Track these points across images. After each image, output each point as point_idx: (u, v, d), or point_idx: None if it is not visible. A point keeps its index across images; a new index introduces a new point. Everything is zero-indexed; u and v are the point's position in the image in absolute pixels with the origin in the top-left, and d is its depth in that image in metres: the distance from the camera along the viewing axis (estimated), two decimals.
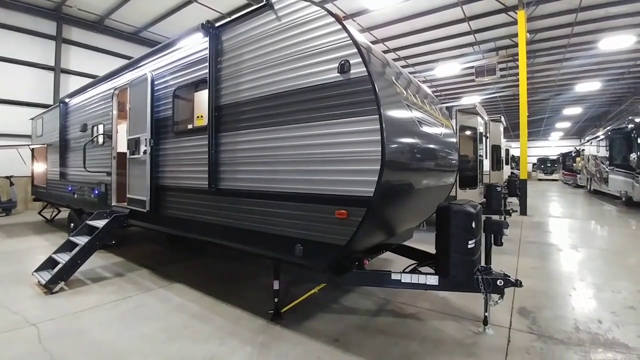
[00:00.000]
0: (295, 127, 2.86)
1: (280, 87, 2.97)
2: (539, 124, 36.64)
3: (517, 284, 2.92)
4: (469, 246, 2.88)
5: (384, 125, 2.30)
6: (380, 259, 4.89)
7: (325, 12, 2.64)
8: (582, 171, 20.95)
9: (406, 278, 3.03)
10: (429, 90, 4.48)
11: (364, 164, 2.41)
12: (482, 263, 3.12)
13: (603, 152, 15.03)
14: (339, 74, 2.53)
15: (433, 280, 3.00)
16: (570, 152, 27.04)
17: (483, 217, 3.21)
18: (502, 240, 3.12)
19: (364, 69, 2.39)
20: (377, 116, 2.32)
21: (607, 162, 14.21)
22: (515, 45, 12.97)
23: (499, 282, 2.90)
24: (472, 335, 3.06)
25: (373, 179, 2.34)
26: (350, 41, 2.48)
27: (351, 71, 2.46)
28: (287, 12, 2.92)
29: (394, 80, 2.91)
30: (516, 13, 11.05)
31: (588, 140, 19.42)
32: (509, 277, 2.93)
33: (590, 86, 21.13)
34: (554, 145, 43.46)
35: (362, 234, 2.47)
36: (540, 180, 35.45)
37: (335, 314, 3.56)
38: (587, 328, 3.19)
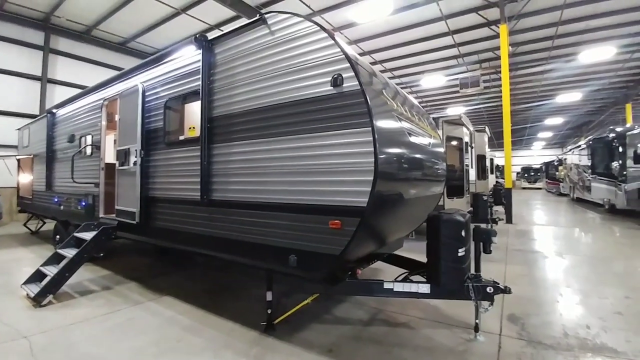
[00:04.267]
0: (289, 139, 2.90)
1: (274, 100, 3.02)
2: (522, 134, 37.70)
3: (507, 290, 2.99)
4: (459, 254, 2.95)
5: (376, 136, 2.37)
6: (371, 268, 4.91)
7: (318, 28, 2.72)
8: (565, 180, 21.58)
9: (398, 287, 3.07)
10: (416, 102, 4.61)
11: (357, 175, 2.46)
12: (472, 271, 3.19)
13: (585, 161, 15.55)
14: (332, 87, 2.60)
15: (425, 288, 3.04)
16: (553, 161, 27.86)
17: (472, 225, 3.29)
18: (491, 249, 3.19)
19: (357, 82, 2.46)
20: (370, 128, 2.39)
21: (590, 171, 14.70)
22: (498, 57, 13.45)
23: (489, 290, 2.97)
24: (463, 343, 3.10)
25: (366, 189, 2.39)
26: (343, 56, 2.56)
27: (344, 85, 2.54)
28: (281, 27, 2.99)
29: (384, 93, 3.00)
30: (498, 27, 11.50)
31: (570, 150, 20.09)
32: (499, 284, 3.00)
33: (571, 97, 21.95)
34: (537, 154, 44.72)
35: (355, 243, 2.50)
36: (524, 188, 36.31)
37: (328, 324, 3.55)
38: (575, 333, 3.27)
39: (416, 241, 5.46)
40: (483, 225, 3.55)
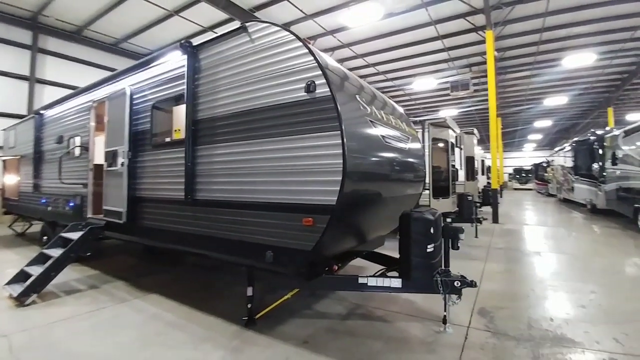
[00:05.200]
0: (267, 141, 3.06)
1: (254, 104, 3.17)
2: (513, 136, 38.33)
3: (472, 284, 3.16)
4: (428, 250, 3.13)
5: (344, 140, 2.54)
6: (355, 266, 5.08)
7: (294, 37, 2.89)
8: (552, 181, 22.05)
9: (372, 282, 3.23)
10: (397, 106, 4.80)
11: (327, 175, 2.63)
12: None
13: (569, 163, 15.96)
14: (305, 93, 2.77)
15: (397, 283, 3.21)
16: (542, 162, 28.41)
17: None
18: (459, 245, 3.37)
19: (328, 89, 2.64)
20: (339, 132, 2.56)
21: (573, 172, 15.10)
22: (486, 62, 13.80)
23: (456, 284, 3.13)
24: (433, 334, 3.28)
25: (335, 188, 2.56)
26: (316, 64, 2.73)
27: (316, 91, 2.71)
28: (260, 35, 3.15)
29: (359, 99, 3.18)
30: (485, 33, 11.80)
31: (556, 152, 20.56)
32: (465, 278, 3.18)
33: (557, 100, 22.50)
34: (528, 155, 45.45)
35: (327, 239, 2.67)
36: (515, 189, 36.89)
37: (306, 318, 3.70)
38: (539, 326, 3.46)
39: None
40: (456, 224, 3.75)
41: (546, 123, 31.30)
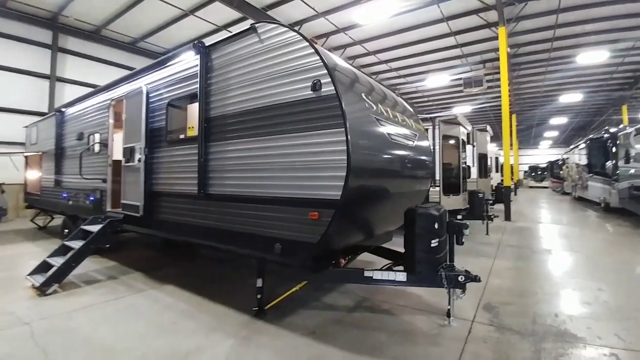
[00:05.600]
0: (276, 138, 3.18)
1: (263, 102, 3.29)
2: (528, 133, 37.58)
3: (477, 279, 3.21)
4: (432, 245, 3.19)
5: (349, 137, 2.63)
6: (363, 260, 5.16)
7: (301, 37, 2.99)
8: (567, 178, 21.57)
9: (377, 275, 3.32)
10: (405, 103, 4.84)
11: (332, 171, 2.73)
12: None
13: (584, 161, 15.61)
14: (311, 92, 2.87)
15: (402, 276, 3.29)
16: (557, 160, 27.77)
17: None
18: (463, 240, 3.41)
19: (333, 88, 2.73)
20: (344, 129, 2.65)
21: (587, 170, 14.77)
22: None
23: (460, 278, 3.19)
24: (437, 327, 3.35)
25: (340, 184, 2.66)
26: (322, 63, 2.82)
27: (322, 89, 2.81)
28: (269, 35, 3.26)
29: (364, 97, 3.25)
30: (498, 29, 11.62)
31: (571, 149, 20.09)
32: (470, 273, 3.23)
33: (573, 97, 21.94)
34: (544, 153, 44.45)
35: (332, 232, 2.77)
36: (531, 187, 36.16)
37: (315, 310, 3.83)
38: (543, 321, 3.49)
39: None
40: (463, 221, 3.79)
41: (562, 120, 30.57)
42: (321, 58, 2.82)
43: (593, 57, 14.61)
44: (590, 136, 15.52)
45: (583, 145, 16.08)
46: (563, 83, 20.11)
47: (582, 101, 23.48)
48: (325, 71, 2.78)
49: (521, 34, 13.49)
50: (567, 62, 16.16)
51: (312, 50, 2.89)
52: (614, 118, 25.74)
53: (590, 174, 14.34)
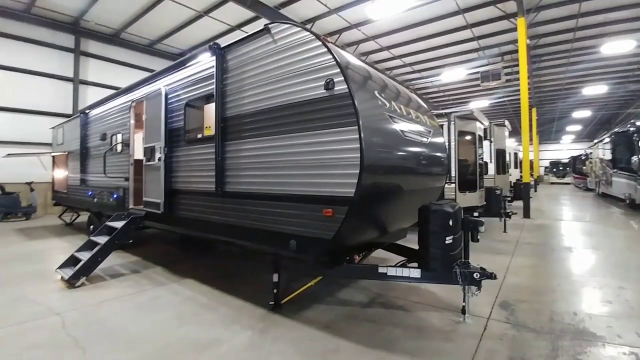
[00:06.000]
0: (290, 137, 3.25)
1: (278, 102, 3.37)
2: (549, 127, 36.32)
3: (492, 276, 3.19)
4: (447, 242, 3.19)
5: (362, 134, 2.67)
6: (378, 257, 5.20)
7: (313, 37, 3.03)
8: (591, 174, 20.80)
9: (391, 271, 3.34)
10: (419, 100, 4.82)
11: (346, 169, 2.78)
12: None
13: (608, 156, 15.02)
14: (325, 91, 2.92)
15: (416, 273, 3.31)
16: (580, 155, 26.79)
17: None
18: (479, 237, 3.40)
19: (346, 86, 2.77)
20: (357, 127, 2.69)
21: (612, 165, 14.21)
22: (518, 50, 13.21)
23: (476, 275, 3.18)
24: (452, 324, 3.35)
25: (353, 181, 2.70)
26: (334, 62, 2.86)
27: (335, 88, 2.85)
28: (282, 35, 3.33)
29: (377, 94, 3.27)
30: (517, 20, 11.29)
31: (595, 144, 19.34)
32: (485, 270, 3.21)
33: (597, 89, 21.07)
34: (565, 148, 42.93)
35: (346, 229, 2.82)
36: (552, 183, 35.04)
37: (330, 305, 3.89)
38: (561, 319, 3.44)
39: None
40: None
41: (585, 113, 29.39)
42: (334, 57, 2.86)
43: (618, 46, 13.95)
44: (615, 130, 14.90)
45: (607, 140, 15.46)
46: (586, 75, 19.34)
47: (606, 93, 22.52)
48: (338, 70, 2.82)
49: (541, 24, 13.04)
50: (591, 52, 15.52)
51: (325, 49, 2.93)
52: None
53: (615, 170, 13.81)
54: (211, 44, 4.01)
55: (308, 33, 3.09)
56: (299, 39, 3.17)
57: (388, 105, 3.36)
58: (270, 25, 3.43)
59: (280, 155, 3.32)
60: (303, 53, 3.12)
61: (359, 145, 2.67)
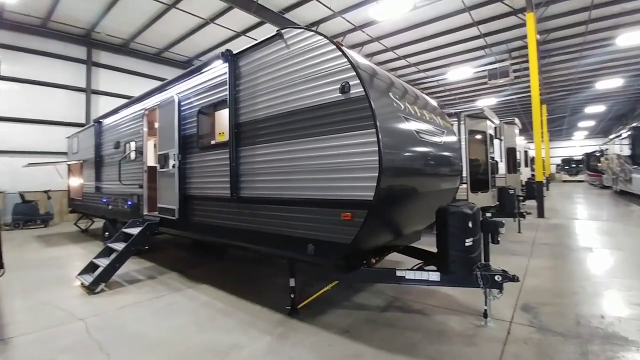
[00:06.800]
0: (305, 141, 3.24)
1: (292, 106, 3.36)
2: (560, 123, 35.65)
3: (514, 279, 3.11)
4: (467, 244, 3.13)
5: (380, 137, 2.64)
6: (392, 260, 5.14)
7: (327, 41, 3.03)
8: (607, 171, 20.31)
9: (410, 275, 3.30)
10: (430, 99, 4.77)
11: (364, 172, 2.75)
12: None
13: (627, 151, 14.63)
14: (340, 94, 2.91)
15: (435, 276, 3.26)
16: (595, 151, 26.21)
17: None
18: (499, 239, 3.33)
19: (362, 89, 2.75)
20: (374, 130, 2.66)
21: (631, 161, 13.84)
22: (527, 46, 13.02)
23: (497, 278, 3.11)
24: (473, 328, 3.29)
25: (372, 184, 2.67)
26: (350, 65, 2.85)
27: (351, 91, 2.83)
28: (295, 40, 3.33)
29: (392, 96, 3.24)
30: (525, 15, 11.13)
31: (612, 139, 18.87)
32: (507, 273, 3.14)
33: (611, 83, 20.58)
34: (578, 145, 42.10)
35: (365, 233, 2.79)
36: (564, 181, 34.36)
37: (346, 309, 3.86)
38: (588, 323, 3.34)
39: None
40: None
41: (599, 109, 28.74)
42: (349, 60, 2.85)
43: (636, 37, 13.50)
44: (635, 124, 14.48)
45: (626, 135, 15.05)
46: (600, 68, 18.88)
47: (622, 86, 21.95)
48: (354, 73, 2.80)
49: (551, 18, 12.80)
50: (605, 44, 15.13)
51: (340, 53, 2.92)
52: None
53: (635, 166, 13.43)
54: (223, 51, 4.03)
55: (321, 37, 3.08)
56: (312, 43, 3.16)
57: (402, 106, 3.33)
58: (282, 31, 3.44)
59: (296, 160, 3.31)
60: (317, 57, 3.11)
61: (377, 148, 2.65)
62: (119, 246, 5.14)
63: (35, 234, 9.67)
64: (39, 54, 12.42)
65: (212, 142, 4.53)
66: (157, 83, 6.90)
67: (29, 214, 10.82)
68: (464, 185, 8.19)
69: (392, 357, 2.81)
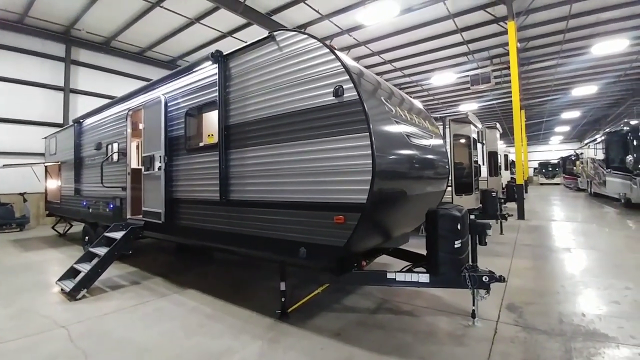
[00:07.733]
0: (297, 144, 3.23)
1: (283, 109, 3.35)
2: (538, 128, 36.99)
3: (501, 279, 3.20)
4: (456, 246, 3.20)
5: (373, 140, 2.67)
6: (381, 263, 5.19)
7: (321, 44, 3.04)
8: (582, 174, 21.20)
9: (400, 277, 3.34)
10: (419, 105, 4.86)
11: (357, 175, 2.77)
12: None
13: (601, 155, 15.33)
14: (333, 97, 2.92)
15: (424, 278, 3.30)
16: (570, 155, 27.32)
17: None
18: (486, 240, 3.42)
19: (355, 93, 2.77)
20: (368, 133, 2.69)
21: (605, 165, 14.50)
22: (509, 53, 13.46)
23: (485, 279, 3.19)
24: (462, 328, 3.35)
25: (365, 187, 2.69)
26: (343, 69, 2.87)
27: (344, 95, 2.85)
28: (288, 43, 3.32)
29: (384, 100, 3.29)
30: (506, 23, 11.51)
31: (586, 144, 19.74)
32: (494, 273, 3.23)
33: (586, 90, 21.53)
34: (554, 149, 43.78)
35: (358, 236, 2.81)
36: (542, 184, 35.62)
37: (337, 312, 3.86)
38: (570, 321, 3.46)
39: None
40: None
41: (574, 114, 30.01)
42: (342, 64, 2.87)
43: (610, 46, 14.18)
44: (608, 129, 15.20)
45: (600, 139, 15.78)
46: (576, 76, 19.72)
47: (596, 93, 22.99)
48: (347, 77, 2.82)
49: (531, 27, 13.29)
50: (581, 53, 15.83)
51: (333, 57, 2.93)
52: (633, 109, 25.16)
53: (609, 169, 14.08)
54: (213, 51, 3.98)
55: (315, 40, 3.09)
56: (305, 46, 3.17)
57: (394, 110, 3.37)
58: (275, 33, 3.43)
59: (288, 163, 3.29)
60: (310, 60, 3.11)
61: (370, 152, 2.67)
62: (101, 251, 4.96)
63: (11, 238, 9.27)
64: (14, 51, 11.86)
65: (201, 144, 4.46)
66: (140, 83, 6.75)
67: (4, 217, 10.38)
68: (449, 188, 8.37)
69: (384, 359, 2.83)
